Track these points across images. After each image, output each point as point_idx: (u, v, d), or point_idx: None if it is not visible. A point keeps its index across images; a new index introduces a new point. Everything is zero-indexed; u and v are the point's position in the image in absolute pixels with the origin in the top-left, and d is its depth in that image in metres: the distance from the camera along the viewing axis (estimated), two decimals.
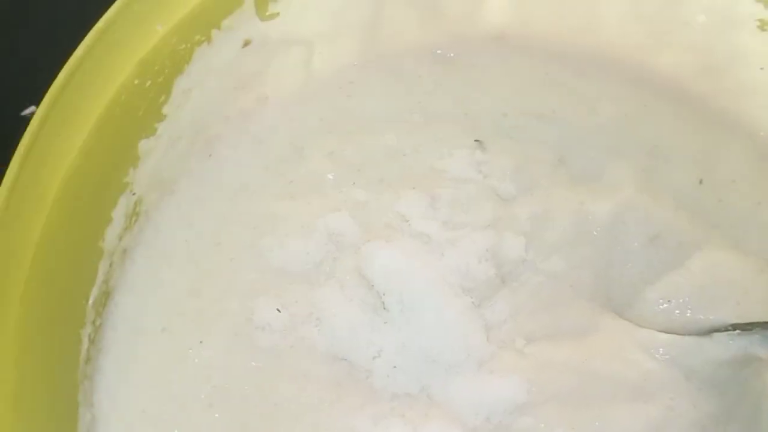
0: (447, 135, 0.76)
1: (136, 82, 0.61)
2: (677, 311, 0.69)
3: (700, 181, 0.75)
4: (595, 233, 0.72)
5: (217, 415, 0.64)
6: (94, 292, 0.64)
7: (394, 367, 0.65)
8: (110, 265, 0.66)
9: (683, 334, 0.68)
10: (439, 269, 0.67)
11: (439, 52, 0.80)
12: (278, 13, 0.71)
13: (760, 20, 0.74)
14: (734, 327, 0.66)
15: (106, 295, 0.66)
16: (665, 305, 0.69)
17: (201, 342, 0.66)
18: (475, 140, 0.75)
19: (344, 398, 0.65)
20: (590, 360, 0.66)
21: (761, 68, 0.76)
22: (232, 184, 0.73)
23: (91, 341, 0.64)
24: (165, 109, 0.66)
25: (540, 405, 0.64)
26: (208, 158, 0.73)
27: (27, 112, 0.79)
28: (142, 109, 0.63)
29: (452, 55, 0.80)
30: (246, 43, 0.70)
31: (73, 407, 0.61)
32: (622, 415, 0.64)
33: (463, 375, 0.65)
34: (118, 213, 0.65)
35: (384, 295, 0.66)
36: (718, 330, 0.67)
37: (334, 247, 0.70)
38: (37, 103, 0.56)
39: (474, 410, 0.64)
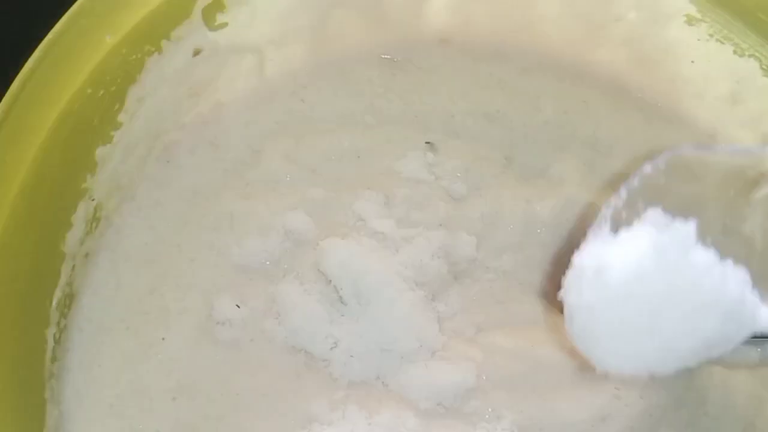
0: (399, 137, 0.78)
1: (88, 91, 0.63)
2: None
3: None
4: (539, 232, 0.74)
5: (181, 407, 0.66)
6: (58, 294, 0.65)
7: (351, 356, 0.67)
8: (73, 267, 0.67)
9: None
10: (394, 265, 0.69)
11: (386, 56, 0.82)
12: (227, 23, 0.73)
13: (687, 15, 0.77)
14: None
15: (70, 297, 0.68)
16: None
17: (163, 339, 0.68)
18: (426, 142, 0.78)
19: (303, 387, 0.67)
20: (537, 347, 0.69)
21: (692, 61, 0.79)
22: (190, 187, 0.75)
23: (57, 341, 0.66)
24: (120, 117, 0.68)
25: (489, 390, 0.67)
26: (166, 164, 0.75)
27: None
28: (96, 117, 0.65)
29: (399, 58, 0.82)
30: (197, 52, 0.72)
31: (40, 404, 0.63)
32: (568, 402, 0.67)
33: (417, 363, 0.67)
34: (78, 218, 0.67)
35: (341, 289, 0.68)
36: None
37: (291, 244, 0.72)
38: None
39: (426, 395, 0.66)
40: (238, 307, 0.69)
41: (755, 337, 0.65)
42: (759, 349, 0.66)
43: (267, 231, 0.72)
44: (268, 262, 0.72)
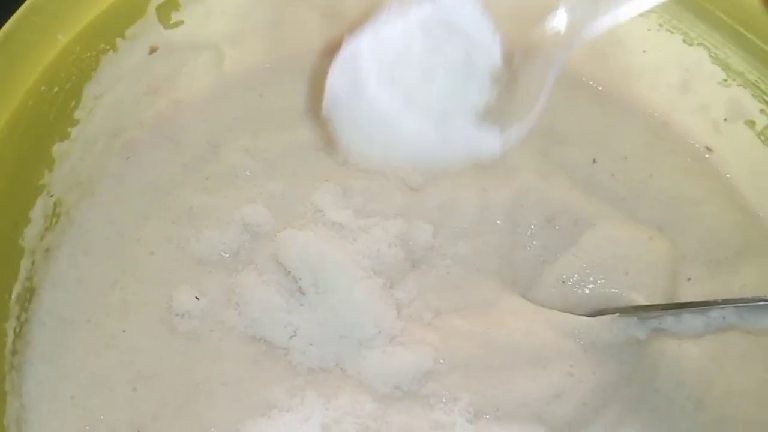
0: None
1: (42, 88, 0.64)
2: (573, 289, 0.74)
3: (594, 160, 0.80)
4: (497, 220, 0.76)
5: (141, 397, 0.67)
6: (17, 288, 0.67)
7: (310, 344, 0.69)
8: (33, 263, 0.69)
9: (579, 314, 0.72)
10: (352, 254, 0.71)
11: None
12: (182, 21, 0.74)
13: None
14: (616, 311, 0.71)
15: (30, 291, 0.69)
16: (561, 285, 0.74)
17: (124, 331, 0.69)
18: None
19: (262, 374, 0.68)
20: (492, 330, 0.70)
21: (644, 51, 0.81)
22: (150, 182, 0.76)
23: (17, 334, 0.67)
24: (77, 114, 0.69)
25: (446, 373, 0.69)
26: (126, 160, 0.76)
27: None
28: (52, 114, 0.66)
29: None
30: (153, 50, 0.73)
31: (0, 396, 0.64)
32: (522, 380, 0.68)
33: (375, 349, 0.69)
34: (37, 213, 0.68)
35: (300, 279, 0.70)
36: (603, 313, 0.71)
37: (250, 236, 0.74)
38: None
39: (384, 380, 0.68)
40: (198, 298, 0.70)
41: (700, 305, 0.67)
42: (704, 317, 0.68)
43: (226, 224, 0.74)
44: (226, 255, 0.73)
